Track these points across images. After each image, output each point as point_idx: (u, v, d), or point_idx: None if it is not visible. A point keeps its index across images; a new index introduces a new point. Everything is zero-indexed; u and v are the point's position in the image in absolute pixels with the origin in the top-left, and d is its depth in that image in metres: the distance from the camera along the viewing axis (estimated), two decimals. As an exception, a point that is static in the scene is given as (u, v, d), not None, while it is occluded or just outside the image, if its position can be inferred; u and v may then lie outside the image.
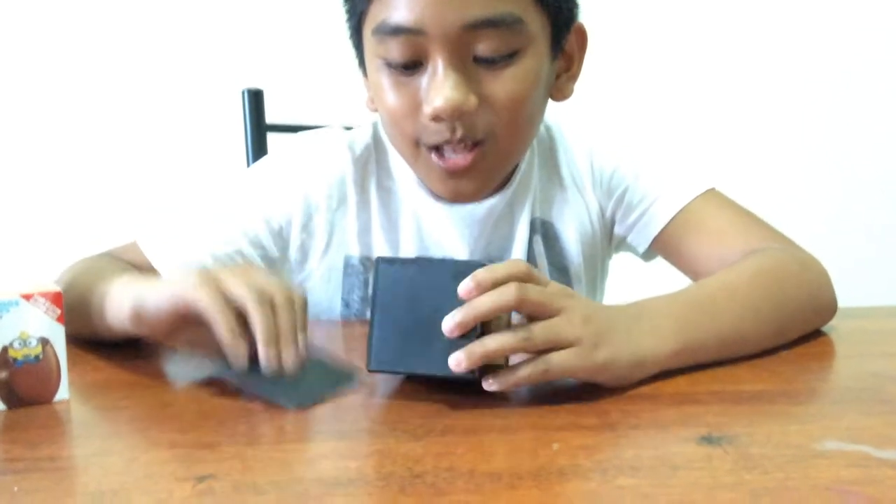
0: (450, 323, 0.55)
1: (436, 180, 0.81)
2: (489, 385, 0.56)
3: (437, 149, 0.77)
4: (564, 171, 0.92)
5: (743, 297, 0.72)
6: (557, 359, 0.57)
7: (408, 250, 0.87)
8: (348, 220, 0.87)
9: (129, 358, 0.73)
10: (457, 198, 0.83)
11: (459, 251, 0.87)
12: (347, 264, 0.87)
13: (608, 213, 0.92)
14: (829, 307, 0.80)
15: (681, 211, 0.87)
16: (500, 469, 0.46)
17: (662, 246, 0.89)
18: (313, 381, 0.61)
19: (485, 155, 0.77)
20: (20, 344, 0.56)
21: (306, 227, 0.86)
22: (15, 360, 0.56)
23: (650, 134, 1.01)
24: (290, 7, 1.81)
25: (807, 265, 0.80)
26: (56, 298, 0.57)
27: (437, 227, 0.87)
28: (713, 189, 0.88)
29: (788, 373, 0.66)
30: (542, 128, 0.92)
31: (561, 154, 0.92)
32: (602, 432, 0.52)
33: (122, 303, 0.64)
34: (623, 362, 0.60)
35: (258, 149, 1.21)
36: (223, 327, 0.58)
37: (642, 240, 0.90)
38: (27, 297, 0.56)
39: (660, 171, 0.90)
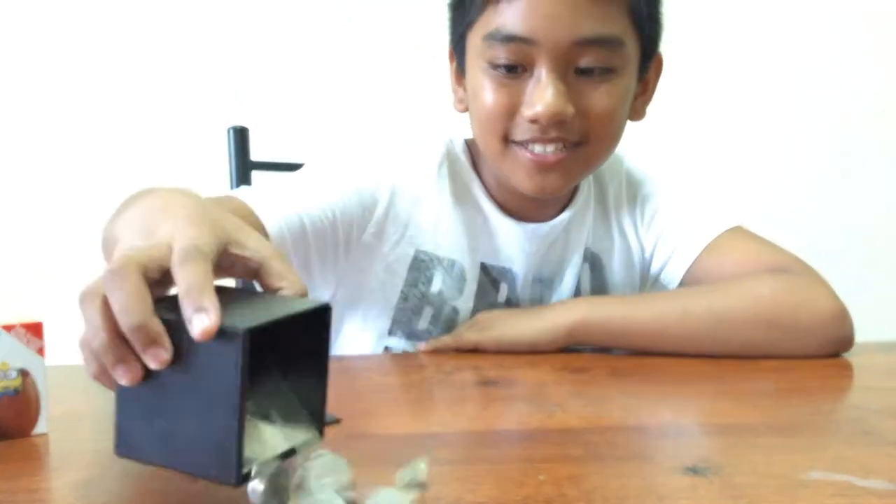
0: None
1: (522, 175, 0.85)
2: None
3: (526, 145, 0.83)
4: (612, 213, 0.98)
5: (688, 312, 0.83)
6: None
7: (480, 251, 0.92)
8: (425, 216, 0.91)
9: (108, 391, 0.72)
10: (541, 191, 0.86)
11: (518, 263, 0.93)
12: (416, 258, 0.90)
13: (648, 253, 0.98)
14: (819, 344, 0.83)
15: (707, 247, 0.92)
16: (486, 498, 0.45)
17: (691, 280, 0.93)
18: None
19: (573, 157, 0.83)
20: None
21: (388, 211, 0.89)
22: (-7, 391, 0.55)
23: (681, 157, 1.04)
24: (276, 47, 1.83)
25: (800, 302, 0.84)
26: (37, 329, 0.57)
27: (503, 238, 0.93)
28: (739, 226, 0.93)
29: (771, 406, 0.66)
30: (598, 172, 0.98)
31: (610, 196, 0.98)
32: (588, 463, 0.52)
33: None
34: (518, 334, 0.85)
35: (243, 186, 1.21)
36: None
37: (673, 276, 0.95)
38: (7, 329, 0.56)
39: (691, 209, 0.96)
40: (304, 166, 0.92)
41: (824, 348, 0.83)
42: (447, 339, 0.87)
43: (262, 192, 0.83)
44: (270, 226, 0.78)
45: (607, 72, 0.81)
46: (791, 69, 1.93)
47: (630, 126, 0.89)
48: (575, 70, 0.81)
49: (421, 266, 0.90)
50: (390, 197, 0.89)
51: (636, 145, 0.99)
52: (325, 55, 1.82)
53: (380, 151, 0.93)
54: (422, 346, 0.88)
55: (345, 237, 0.86)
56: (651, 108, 0.93)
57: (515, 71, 0.81)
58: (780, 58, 1.92)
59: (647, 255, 0.98)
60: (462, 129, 0.94)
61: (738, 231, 0.93)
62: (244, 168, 1.21)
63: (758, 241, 0.93)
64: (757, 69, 1.91)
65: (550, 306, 0.90)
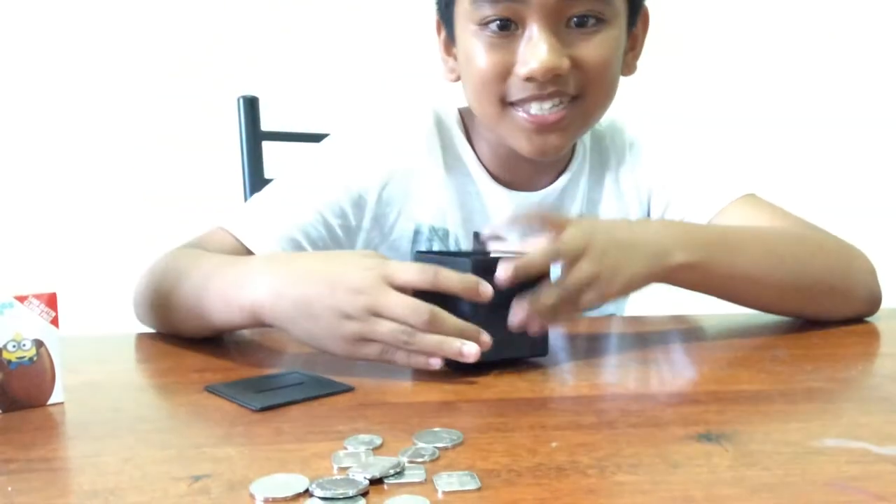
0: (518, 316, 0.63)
1: (521, 138, 0.84)
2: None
3: (523, 106, 0.82)
4: (612, 179, 0.96)
5: (770, 243, 0.79)
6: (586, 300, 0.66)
7: (473, 220, 0.91)
8: (418, 190, 0.90)
9: (123, 361, 0.72)
10: (542, 153, 0.85)
11: (511, 233, 0.90)
12: (417, 232, 0.91)
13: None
14: (865, 298, 0.83)
15: (717, 215, 0.90)
16: (498, 465, 0.45)
17: None
18: (291, 390, 0.60)
19: (571, 113, 0.83)
20: (14, 346, 0.56)
21: (381, 196, 0.89)
22: (9, 362, 0.56)
23: (691, 122, 1.04)
24: (286, 16, 1.81)
25: (848, 251, 0.84)
26: (51, 300, 0.57)
27: (494, 207, 0.92)
28: (752, 194, 0.91)
29: (785, 373, 0.66)
30: (598, 135, 0.97)
31: (612, 161, 0.97)
32: (600, 430, 0.52)
33: (241, 300, 0.67)
34: (639, 280, 0.70)
35: (254, 156, 1.21)
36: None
37: None
38: (21, 300, 0.56)
39: (699, 179, 0.94)
40: (289, 173, 0.92)
41: (866, 306, 0.84)
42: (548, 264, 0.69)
43: (250, 218, 0.85)
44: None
45: (599, 22, 0.81)
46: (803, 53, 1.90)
47: (643, 100, 0.88)
48: (567, 23, 0.80)
49: (420, 238, 0.90)
50: (381, 185, 0.89)
51: (647, 114, 0.99)
52: (334, 24, 1.80)
53: (363, 141, 0.92)
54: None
55: (344, 231, 0.87)
56: (664, 90, 0.92)
57: (507, 28, 0.80)
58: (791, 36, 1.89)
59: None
60: (457, 99, 0.93)
61: (750, 199, 0.90)
62: (255, 138, 1.21)
63: (771, 209, 0.90)
64: (768, 44, 1.89)
65: (651, 237, 0.74)
